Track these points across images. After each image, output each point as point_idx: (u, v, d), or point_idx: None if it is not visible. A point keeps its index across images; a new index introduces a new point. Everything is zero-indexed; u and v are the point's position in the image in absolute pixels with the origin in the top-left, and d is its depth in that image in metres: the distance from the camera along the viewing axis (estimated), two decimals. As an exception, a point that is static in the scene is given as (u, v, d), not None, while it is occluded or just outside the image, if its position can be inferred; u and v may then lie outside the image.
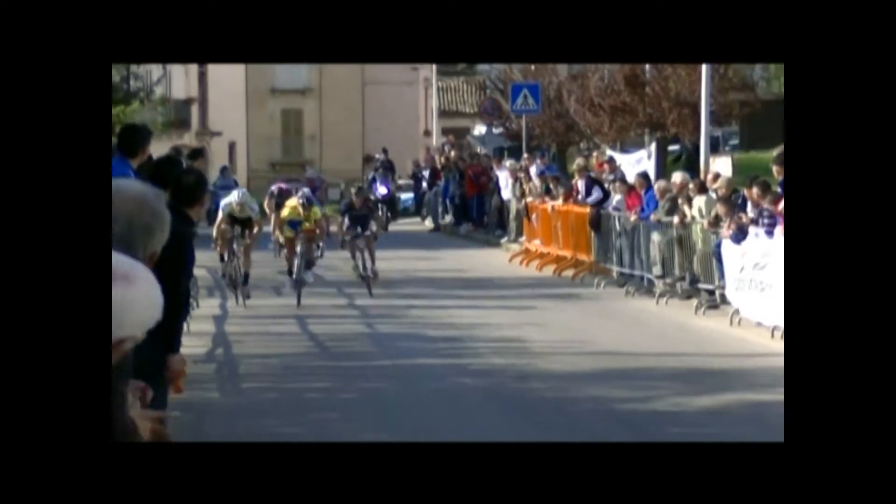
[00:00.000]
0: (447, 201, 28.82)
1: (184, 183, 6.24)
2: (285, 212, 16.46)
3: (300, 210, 16.09)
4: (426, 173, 31.37)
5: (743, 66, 30.48)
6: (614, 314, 15.44)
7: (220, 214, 15.95)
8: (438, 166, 30.15)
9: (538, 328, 14.05)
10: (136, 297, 2.60)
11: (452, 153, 30.24)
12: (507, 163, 25.76)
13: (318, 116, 50.15)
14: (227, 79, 43.33)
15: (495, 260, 22.26)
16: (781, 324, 13.13)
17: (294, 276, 15.75)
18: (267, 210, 18.71)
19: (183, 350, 10.56)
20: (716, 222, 15.02)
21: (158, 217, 3.25)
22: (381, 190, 30.09)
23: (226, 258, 15.82)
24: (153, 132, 12.54)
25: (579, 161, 21.65)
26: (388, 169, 33.03)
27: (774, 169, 14.11)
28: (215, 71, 42.61)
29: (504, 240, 24.16)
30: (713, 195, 15.70)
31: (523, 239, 22.47)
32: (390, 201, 30.44)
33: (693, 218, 15.85)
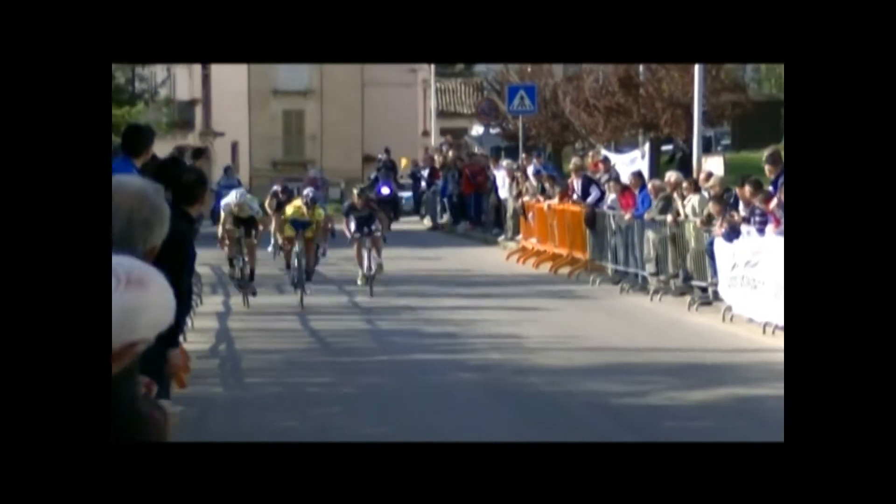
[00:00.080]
0: (445, 200, 28.81)
1: (184, 181, 6.24)
2: (289, 210, 16.24)
3: (303, 210, 15.95)
4: (425, 173, 31.34)
5: (734, 68, 30.50)
6: (609, 311, 15.44)
7: (223, 215, 15.74)
8: (437, 166, 30.11)
9: (535, 324, 14.05)
10: (149, 301, 2.61)
11: (450, 153, 30.23)
12: (504, 162, 25.76)
13: (318, 117, 50.12)
14: (230, 80, 43.30)
15: (492, 258, 22.26)
16: (773, 320, 13.15)
17: (295, 277, 15.53)
18: (268, 210, 18.51)
19: (187, 346, 10.60)
20: (708, 221, 15.03)
21: (158, 212, 3.25)
22: (384, 190, 30.00)
23: (234, 263, 15.50)
24: (157, 132, 12.54)
25: (575, 160, 21.65)
26: (390, 169, 32.87)
27: (766, 168, 14.12)
28: (218, 72, 42.58)
29: (501, 238, 24.15)
30: (706, 194, 15.71)
31: (520, 237, 22.47)
32: (393, 201, 30.33)
33: (686, 216, 15.86)
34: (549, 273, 19.57)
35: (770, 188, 13.94)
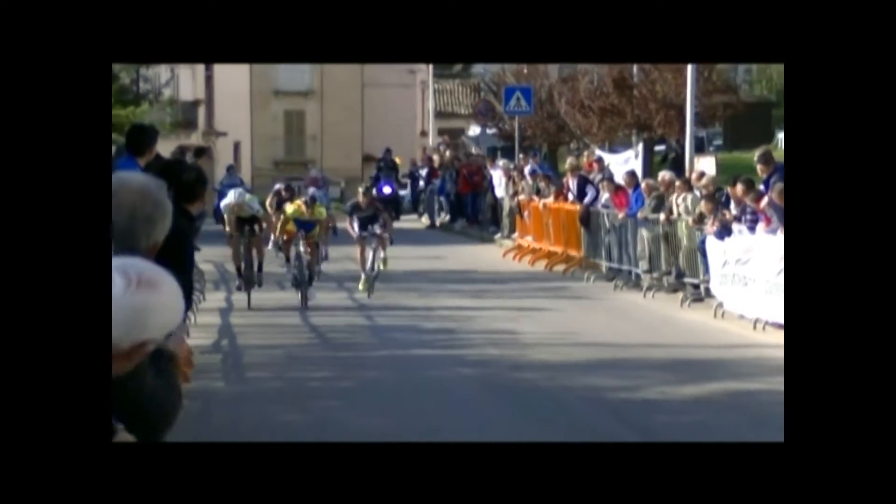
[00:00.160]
0: (442, 199, 28.80)
1: (184, 180, 6.21)
2: (290, 209, 15.99)
3: (303, 209, 15.75)
4: (423, 172, 31.32)
5: (726, 70, 30.49)
6: (603, 307, 15.44)
7: (226, 217, 15.53)
8: (436, 165, 30.08)
9: (531, 320, 14.05)
10: (160, 302, 2.61)
11: (448, 153, 30.22)
12: (501, 162, 25.77)
13: (319, 117, 50.10)
14: (233, 81, 43.28)
15: (489, 255, 22.26)
16: (763, 316, 13.16)
17: (297, 276, 15.24)
18: (269, 208, 18.25)
19: (190, 342, 10.57)
20: (700, 219, 15.03)
21: (160, 207, 3.24)
22: (386, 189, 29.92)
23: (242, 270, 15.17)
24: (160, 132, 12.50)
25: (571, 160, 21.66)
26: (392, 169, 32.69)
27: (759, 168, 14.12)
28: (221, 73, 42.56)
29: (497, 236, 24.15)
30: (698, 193, 15.71)
31: (516, 235, 22.46)
32: (394, 201, 30.24)
33: (679, 215, 15.86)
34: (544, 270, 19.57)
35: (761, 187, 13.94)
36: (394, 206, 28.59)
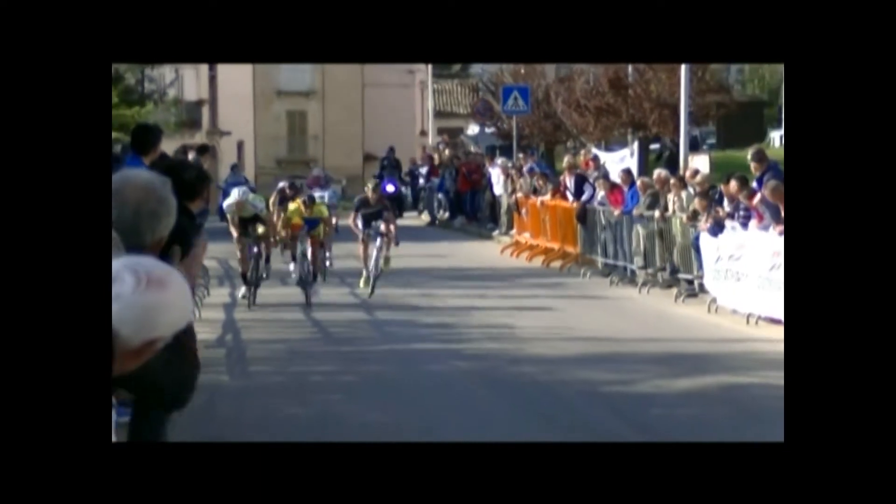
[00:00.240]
0: (441, 196, 28.78)
1: (185, 178, 6.20)
2: (291, 208, 15.74)
3: (302, 209, 15.47)
4: (423, 170, 31.30)
5: (719, 70, 30.50)
6: (599, 302, 15.44)
7: (229, 217, 15.20)
8: (437, 164, 30.05)
9: (528, 315, 14.05)
10: (169, 301, 2.61)
11: (447, 152, 30.21)
12: (499, 160, 25.77)
13: (320, 117, 50.09)
14: (236, 81, 43.26)
15: (487, 252, 22.25)
16: (755, 311, 13.17)
17: (301, 275, 14.96)
18: (271, 207, 17.92)
19: (195, 336, 10.55)
20: (694, 216, 15.03)
21: (165, 203, 3.24)
22: (389, 188, 29.82)
23: (248, 275, 14.78)
24: (165, 131, 12.48)
25: (568, 159, 21.66)
26: (395, 167, 32.52)
27: (752, 165, 14.12)
28: (225, 74, 42.54)
29: (496, 233, 24.15)
30: (692, 191, 15.71)
31: (514, 232, 22.46)
32: (397, 199, 30.12)
33: (673, 212, 15.86)
34: (541, 266, 19.56)
35: (755, 185, 13.95)
36: (397, 205, 28.51)
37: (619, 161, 22.43)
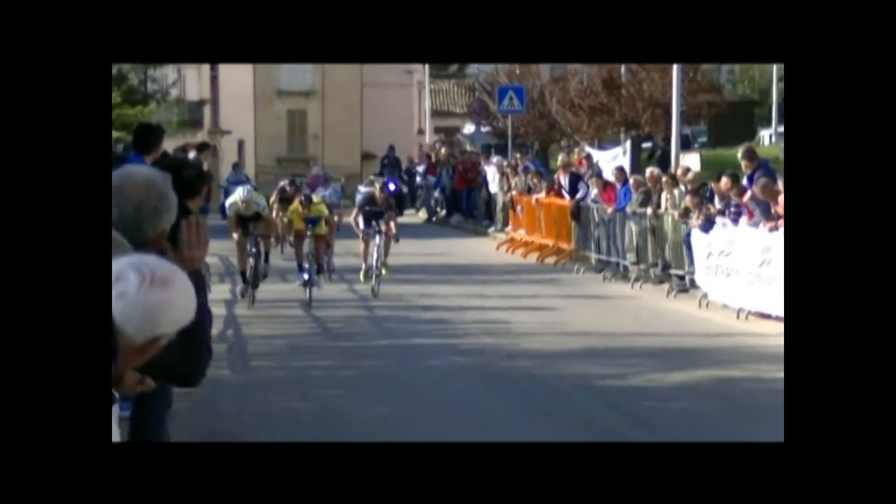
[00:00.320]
0: (437, 194, 28.75)
1: (184, 176, 6.17)
2: (290, 207, 15.47)
3: (300, 209, 15.19)
4: (420, 168, 31.27)
5: (710, 70, 30.49)
6: (593, 298, 15.43)
7: (229, 214, 14.89)
8: (434, 162, 30.01)
9: (523, 310, 14.04)
10: (173, 299, 2.60)
11: (443, 150, 30.18)
12: (495, 159, 25.75)
13: (320, 116, 50.04)
14: (237, 81, 43.21)
15: (483, 248, 22.25)
16: (745, 306, 13.17)
17: (306, 275, 14.61)
18: (272, 205, 17.65)
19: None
20: (686, 213, 15.03)
21: (165, 199, 3.24)
22: (390, 186, 29.64)
23: (247, 275, 14.44)
24: (167, 130, 12.42)
25: (563, 157, 21.65)
26: (395, 166, 32.36)
27: (743, 163, 14.12)
28: (226, 74, 42.48)
29: (491, 230, 24.14)
30: (683, 188, 15.71)
31: (509, 229, 22.46)
32: (397, 197, 29.87)
33: (665, 209, 15.86)
34: (536, 262, 19.56)
35: (745, 182, 13.95)
36: (398, 203, 28.37)
37: (612, 159, 22.42)
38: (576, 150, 25.08)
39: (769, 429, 7.90)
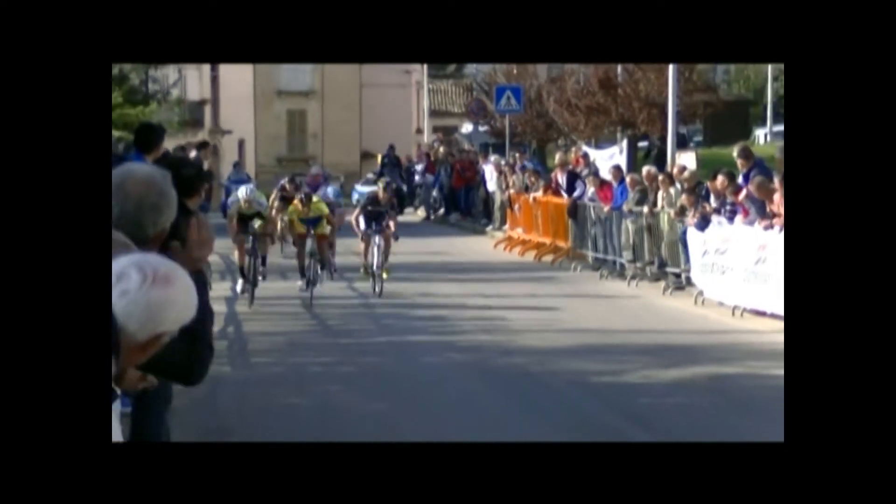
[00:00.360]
0: (435, 192, 28.74)
1: (184, 175, 6.15)
2: (290, 207, 15.31)
3: (299, 207, 15.09)
4: (418, 167, 31.26)
5: (706, 70, 30.48)
6: (589, 295, 15.43)
7: (230, 212, 14.77)
8: (433, 161, 29.99)
9: (520, 308, 14.04)
10: (174, 297, 2.61)
11: (441, 149, 30.18)
12: (492, 158, 25.75)
13: (319, 116, 50.06)
14: (237, 81, 43.21)
15: (481, 246, 22.24)
16: (741, 303, 13.17)
17: (307, 276, 14.48)
18: (272, 204, 17.52)
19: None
20: (682, 211, 15.03)
21: (166, 196, 3.25)
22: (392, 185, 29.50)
23: (246, 271, 14.33)
24: (169, 130, 12.41)
25: (560, 156, 21.64)
26: (395, 165, 32.26)
27: (739, 162, 14.12)
28: (226, 74, 42.48)
29: (489, 228, 24.14)
30: (679, 187, 15.71)
31: (507, 227, 22.45)
32: (399, 196, 29.72)
33: (661, 207, 15.86)
34: (533, 260, 19.56)
35: (741, 181, 13.95)
36: (398, 201, 28.29)
37: (609, 158, 22.41)
38: (573, 149, 25.09)
39: (764, 424, 7.91)
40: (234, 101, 43.51)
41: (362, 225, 15.47)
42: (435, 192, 28.70)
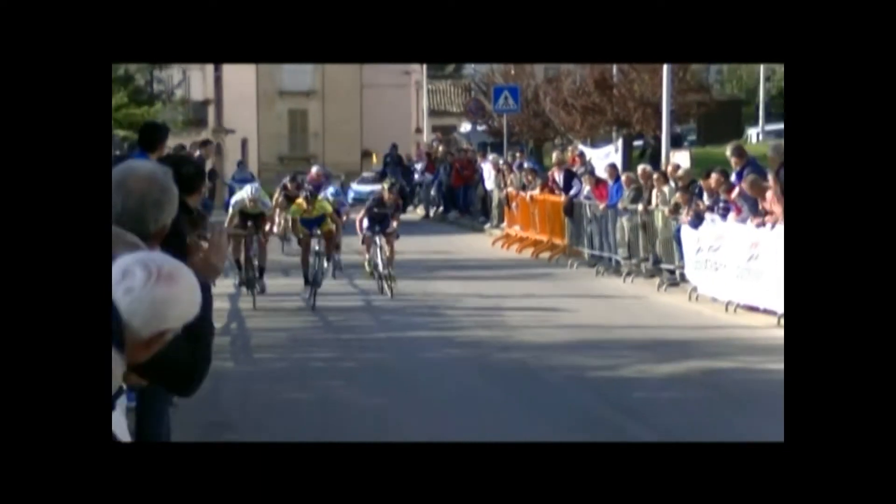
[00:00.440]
0: (433, 191, 28.72)
1: (183, 173, 6.13)
2: (293, 207, 15.25)
3: (304, 205, 14.98)
4: (418, 166, 31.24)
5: (699, 70, 30.49)
6: (585, 291, 15.41)
7: (231, 211, 14.48)
8: (433, 160, 29.97)
9: (518, 304, 14.02)
10: (178, 294, 2.60)
11: (440, 148, 30.16)
12: (490, 157, 25.74)
13: (320, 116, 50.07)
14: (240, 82, 43.22)
15: (479, 244, 22.23)
16: (734, 299, 13.16)
17: (310, 278, 14.14)
18: (275, 202, 17.39)
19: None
20: (676, 209, 15.01)
21: (167, 192, 3.24)
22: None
23: (242, 264, 14.09)
24: (173, 130, 12.38)
25: (557, 155, 21.62)
26: (398, 164, 32.14)
27: (732, 161, 14.10)
28: (229, 75, 42.49)
29: (487, 226, 24.12)
30: (674, 185, 15.70)
31: (504, 225, 22.44)
32: (403, 197, 29.54)
33: (656, 205, 15.84)
34: (530, 258, 19.54)
35: (734, 179, 13.93)
36: (402, 201, 28.16)
37: (605, 157, 22.39)
38: (569, 148, 25.07)
39: (758, 418, 7.90)
40: (237, 101, 43.52)
41: (366, 227, 15.23)
42: (434, 191, 28.69)
